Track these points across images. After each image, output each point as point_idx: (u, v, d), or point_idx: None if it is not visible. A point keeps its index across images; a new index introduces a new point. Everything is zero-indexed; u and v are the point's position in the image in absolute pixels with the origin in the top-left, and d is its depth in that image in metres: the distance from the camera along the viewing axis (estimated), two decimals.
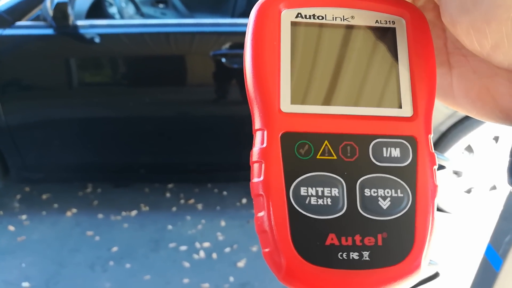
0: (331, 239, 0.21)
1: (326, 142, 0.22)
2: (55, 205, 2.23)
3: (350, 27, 0.24)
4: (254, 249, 1.92)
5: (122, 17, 2.40)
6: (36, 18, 1.83)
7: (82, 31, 1.81)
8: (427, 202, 0.22)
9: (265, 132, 0.22)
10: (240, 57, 1.82)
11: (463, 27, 0.20)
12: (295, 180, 0.21)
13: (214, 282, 1.74)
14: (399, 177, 0.22)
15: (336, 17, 0.24)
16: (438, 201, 0.23)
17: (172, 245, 1.95)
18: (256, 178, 0.22)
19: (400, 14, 0.24)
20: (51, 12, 1.75)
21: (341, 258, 0.21)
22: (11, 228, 2.05)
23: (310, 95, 0.23)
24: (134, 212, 2.17)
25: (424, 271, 0.21)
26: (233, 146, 2.03)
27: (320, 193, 0.21)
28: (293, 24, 0.24)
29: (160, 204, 2.25)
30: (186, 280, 1.75)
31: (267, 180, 0.21)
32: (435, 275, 0.45)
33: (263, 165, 0.21)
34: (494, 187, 2.06)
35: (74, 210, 2.18)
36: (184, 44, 1.88)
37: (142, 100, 1.94)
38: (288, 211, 0.21)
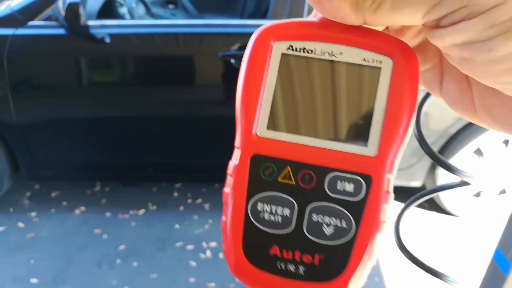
0: (275, 250, 0.24)
1: (288, 167, 0.25)
2: (64, 203, 2.25)
3: (336, 63, 0.25)
4: None
5: (132, 17, 2.42)
6: (48, 18, 1.86)
7: (93, 31, 1.83)
8: (368, 236, 0.24)
9: (240, 151, 0.25)
10: None
11: (468, 73, 0.22)
12: (255, 196, 0.25)
13: (220, 281, 1.74)
14: (347, 210, 0.24)
15: (324, 52, 0.25)
16: (382, 236, 0.24)
17: (179, 244, 1.96)
18: (226, 189, 0.25)
19: (389, 54, 0.24)
20: (63, 12, 1.77)
21: (279, 267, 0.24)
22: (21, 224, 2.08)
23: (284, 123, 0.25)
24: (141, 211, 2.19)
25: None
26: None
27: (273, 211, 0.24)
28: (283, 55, 0.25)
29: (168, 203, 2.26)
30: (192, 279, 1.75)
31: (232, 192, 0.25)
32: None
33: (232, 179, 0.25)
34: (503, 191, 2.04)
35: (83, 208, 2.20)
36: (193, 44, 1.89)
37: (151, 100, 1.95)
38: (244, 221, 0.25)
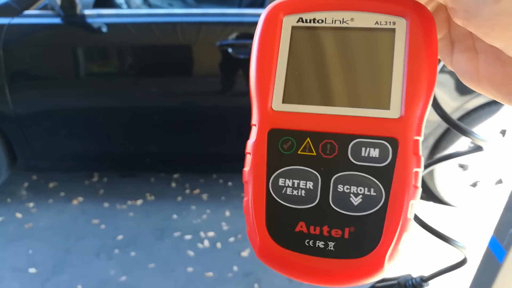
0: (301, 226, 0.23)
1: (308, 139, 0.24)
2: (62, 194, 2.25)
3: (348, 30, 0.24)
4: None
5: (129, 6, 2.40)
6: (44, 7, 1.84)
7: (89, 20, 1.82)
8: (401, 203, 0.22)
9: (256, 128, 0.25)
10: (247, 47, 1.82)
11: (473, 29, 0.21)
12: (275, 172, 0.24)
13: (218, 271, 1.75)
14: (374, 177, 0.23)
15: (335, 20, 0.24)
16: (418, 203, 0.23)
17: (176, 234, 1.97)
18: (246, 167, 0.25)
19: (402, 14, 0.24)
20: (59, 1, 1.75)
21: (307, 244, 0.23)
22: (19, 215, 2.08)
23: (300, 95, 0.24)
24: (139, 201, 2.19)
25: (387, 272, 0.22)
26: (238, 136, 2.03)
27: (296, 185, 0.23)
28: (294, 28, 0.25)
29: (166, 193, 2.26)
30: (190, 269, 1.76)
31: (252, 170, 0.24)
32: (463, 261, 0.44)
33: (251, 157, 0.24)
34: (500, 181, 2.05)
35: (80, 199, 2.20)
36: (190, 34, 1.88)
37: (148, 90, 1.94)
38: (266, 199, 0.24)
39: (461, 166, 2.00)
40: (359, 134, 0.23)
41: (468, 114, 1.88)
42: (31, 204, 2.16)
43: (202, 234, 1.96)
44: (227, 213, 2.11)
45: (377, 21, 0.24)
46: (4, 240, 1.93)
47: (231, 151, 2.12)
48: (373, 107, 0.24)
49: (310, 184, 0.23)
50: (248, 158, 0.25)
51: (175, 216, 2.09)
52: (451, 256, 0.45)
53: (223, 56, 1.83)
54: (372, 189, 0.22)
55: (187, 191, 2.29)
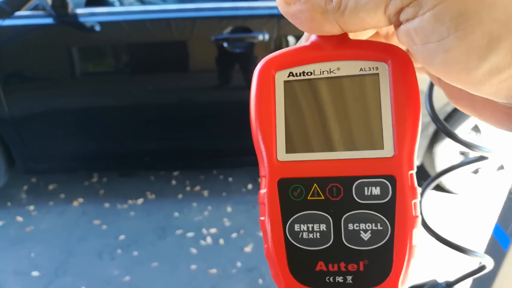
0: (320, 265, 0.25)
1: (315, 185, 0.26)
2: (62, 195, 2.24)
3: (336, 78, 0.26)
4: (261, 234, 1.92)
5: (121, 4, 2.37)
6: (35, 8, 1.82)
7: (82, 19, 1.80)
8: (405, 233, 0.24)
9: (266, 179, 0.26)
10: (242, 41, 1.80)
11: (434, 73, 0.22)
12: (290, 218, 0.26)
13: (221, 267, 1.75)
14: (379, 212, 0.25)
15: (323, 71, 0.26)
16: (418, 231, 0.25)
17: (179, 232, 1.96)
18: (262, 217, 0.26)
19: (383, 59, 0.26)
20: (50, 1, 1.73)
21: (328, 281, 0.25)
22: (19, 218, 2.07)
23: (301, 144, 0.26)
24: (140, 200, 2.18)
25: None
26: (237, 131, 2.02)
27: (310, 229, 0.25)
28: (286, 82, 0.27)
29: (166, 191, 2.25)
30: (193, 266, 1.76)
31: (268, 219, 0.26)
32: (483, 267, 0.46)
33: (265, 206, 0.26)
34: (501, 167, 2.04)
35: (81, 200, 2.20)
36: (185, 29, 1.86)
37: (145, 88, 1.93)
38: (285, 244, 0.26)
39: (462, 153, 1.99)
40: (360, 175, 0.25)
41: None
42: (31, 207, 2.15)
43: (204, 231, 1.96)
44: (229, 209, 2.10)
45: (361, 68, 0.26)
46: (6, 244, 1.92)
47: (231, 146, 2.11)
48: (368, 148, 0.25)
49: (323, 226, 0.25)
50: (263, 208, 0.26)
51: (176, 214, 2.08)
52: (466, 259, 0.46)
53: (219, 51, 1.81)
54: (378, 224, 0.25)
55: (188, 188, 2.28)
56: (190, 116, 2.01)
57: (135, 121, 2.02)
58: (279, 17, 1.77)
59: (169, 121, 2.04)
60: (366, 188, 0.25)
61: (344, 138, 0.26)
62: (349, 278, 0.25)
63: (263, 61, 0.27)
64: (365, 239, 0.25)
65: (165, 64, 1.91)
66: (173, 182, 2.33)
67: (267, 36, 1.76)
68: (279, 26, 1.78)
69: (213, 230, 1.96)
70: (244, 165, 2.37)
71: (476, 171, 2.04)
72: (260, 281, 1.67)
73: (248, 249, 1.84)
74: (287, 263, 0.25)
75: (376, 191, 0.25)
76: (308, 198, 0.25)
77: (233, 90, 1.93)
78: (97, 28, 1.80)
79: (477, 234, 1.77)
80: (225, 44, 1.78)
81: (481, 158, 0.42)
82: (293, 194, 0.26)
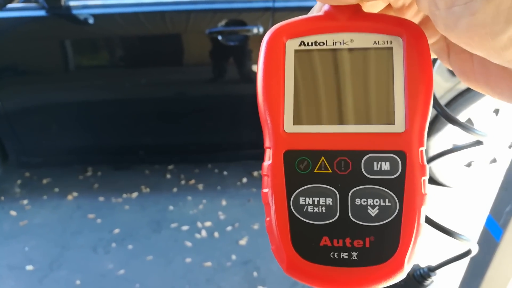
0: (325, 241, 0.25)
1: (322, 158, 0.25)
2: (56, 189, 2.23)
3: (349, 50, 0.26)
4: (256, 227, 1.93)
5: None
6: (28, 0, 1.80)
7: (75, 12, 1.78)
8: (414, 210, 0.24)
9: (271, 150, 0.26)
10: (237, 34, 1.79)
11: (454, 40, 0.22)
12: (295, 191, 0.25)
13: (216, 260, 1.75)
14: (388, 188, 0.24)
15: (336, 42, 0.26)
16: (427, 208, 0.25)
17: (173, 225, 1.96)
18: (265, 189, 0.26)
19: (398, 33, 0.25)
20: None
21: (332, 257, 0.25)
22: (13, 213, 2.06)
23: (310, 116, 0.26)
24: (135, 194, 2.18)
25: (406, 272, 0.24)
26: (232, 125, 2.02)
27: (316, 202, 0.25)
28: (297, 52, 0.26)
29: (161, 185, 2.25)
30: (188, 260, 1.76)
31: (272, 192, 0.25)
32: (468, 252, 0.46)
33: (269, 178, 0.25)
34: (494, 160, 2.05)
35: (75, 194, 2.19)
36: (179, 22, 1.85)
37: (139, 81, 1.92)
38: (289, 217, 0.25)
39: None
40: (370, 150, 0.25)
41: (461, 94, 1.87)
42: (25, 201, 2.14)
43: (199, 224, 1.96)
44: (224, 203, 2.10)
45: (375, 41, 0.26)
46: (0, 239, 1.91)
47: (225, 140, 2.11)
48: (379, 123, 0.25)
49: (329, 200, 0.25)
50: (266, 180, 0.26)
51: (171, 207, 2.08)
52: (454, 244, 0.46)
53: (213, 44, 1.80)
54: (387, 200, 0.24)
55: (183, 182, 2.28)
56: (184, 110, 2.01)
57: (130, 114, 2.01)
58: (274, 10, 1.77)
59: (163, 114, 2.03)
60: (375, 163, 0.25)
61: (355, 111, 0.25)
62: (354, 254, 0.24)
63: (274, 28, 0.26)
64: (373, 215, 0.24)
65: (159, 57, 1.90)
66: (168, 175, 2.33)
67: (261, 29, 1.76)
68: (274, 19, 1.77)
69: (208, 224, 1.96)
70: (239, 159, 2.37)
71: (469, 164, 2.05)
72: (255, 274, 1.68)
73: (243, 242, 1.84)
74: (290, 237, 0.25)
75: (386, 166, 0.24)
76: (315, 171, 0.25)
77: (228, 83, 1.93)
78: (91, 20, 1.78)
79: (470, 227, 1.78)
80: (220, 37, 1.77)
81: (477, 142, 0.42)
82: (300, 167, 0.25)
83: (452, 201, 2.06)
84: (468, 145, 0.44)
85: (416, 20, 0.28)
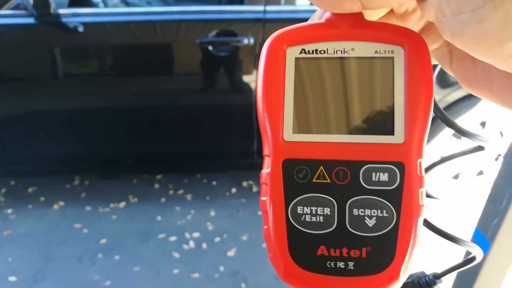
0: (322, 250, 0.25)
1: (321, 167, 0.25)
2: (42, 198, 2.19)
3: (349, 59, 0.26)
4: (244, 238, 1.91)
5: (106, 5, 2.35)
6: (16, 7, 1.78)
7: (64, 20, 1.77)
8: (411, 221, 0.24)
9: (270, 158, 0.26)
10: (227, 44, 1.80)
11: (460, 47, 0.21)
12: (293, 200, 0.25)
13: (204, 272, 1.73)
14: (385, 199, 0.24)
15: (337, 50, 0.26)
16: (424, 217, 0.25)
17: (161, 236, 1.94)
18: (263, 197, 0.26)
19: (399, 43, 0.25)
20: (31, 0, 1.70)
21: (329, 266, 0.25)
22: None
23: (309, 125, 0.26)
24: (122, 204, 2.15)
25: (402, 282, 0.24)
26: (222, 135, 2.01)
27: (314, 212, 0.25)
28: (297, 59, 0.26)
29: (149, 195, 2.23)
30: (176, 271, 1.74)
31: (270, 200, 0.25)
32: (473, 259, 0.46)
33: (267, 187, 0.25)
34: (481, 172, 2.08)
35: (61, 203, 2.15)
36: (170, 32, 1.85)
37: (129, 90, 1.90)
38: (287, 226, 0.25)
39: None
40: (369, 160, 0.25)
41: (449, 106, 1.90)
42: (9, 211, 2.10)
43: (187, 235, 1.94)
44: (212, 213, 2.08)
45: (376, 50, 0.25)
46: None
47: (215, 149, 2.10)
48: (379, 133, 0.25)
49: (327, 210, 0.25)
50: (265, 188, 0.26)
51: (159, 217, 2.06)
52: (455, 251, 0.46)
53: (204, 54, 1.80)
54: (384, 211, 0.24)
55: (171, 191, 2.26)
56: (174, 119, 2.00)
57: (119, 123, 1.99)
58: (264, 21, 1.78)
59: (153, 124, 2.02)
60: (374, 174, 0.25)
61: (354, 121, 0.25)
62: (350, 264, 0.24)
63: (274, 35, 0.26)
64: (370, 225, 0.24)
65: (149, 66, 1.89)
66: (156, 185, 2.31)
67: (252, 40, 1.76)
68: (264, 31, 1.78)
69: (196, 234, 1.94)
70: (228, 169, 2.36)
71: (456, 176, 2.07)
72: (243, 285, 1.67)
73: (231, 253, 1.83)
74: (287, 245, 0.25)
75: (384, 177, 0.24)
76: (314, 180, 0.25)
77: (218, 93, 1.92)
78: (80, 29, 1.78)
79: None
80: (210, 48, 1.77)
81: (479, 148, 0.42)
82: (298, 176, 0.25)
83: (439, 213, 2.07)
84: (469, 150, 0.44)
85: (418, 26, 0.28)
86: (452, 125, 0.39)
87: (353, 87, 0.26)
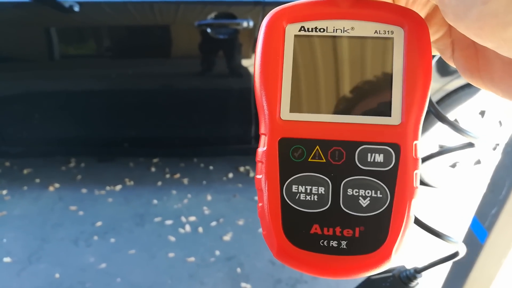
0: (315, 228, 0.25)
1: (317, 147, 0.25)
2: (37, 180, 2.18)
3: (349, 38, 0.25)
4: (240, 223, 1.91)
5: None
6: None
7: None
8: (404, 203, 0.24)
9: (266, 137, 0.25)
10: (226, 27, 1.77)
11: (463, 31, 0.21)
12: (288, 179, 0.25)
13: (200, 256, 1.73)
14: (380, 180, 0.25)
15: (336, 29, 0.25)
16: (417, 201, 0.25)
17: (157, 219, 1.93)
18: (258, 175, 0.26)
19: (400, 24, 0.25)
20: None
21: (322, 244, 0.25)
22: None
23: (306, 104, 0.26)
24: (118, 187, 2.14)
25: (394, 262, 0.25)
26: (219, 119, 2.00)
27: (308, 191, 0.25)
28: (296, 37, 0.26)
29: (145, 178, 2.22)
30: (171, 254, 1.74)
31: (265, 178, 0.25)
32: (455, 254, 0.46)
33: (263, 165, 0.25)
34: (478, 162, 2.07)
35: (57, 185, 2.14)
36: (168, 13, 1.81)
37: (125, 72, 1.88)
38: (281, 204, 0.25)
39: (441, 147, 2.02)
40: (365, 141, 0.25)
41: (448, 95, 1.88)
42: (4, 192, 2.09)
43: (183, 219, 1.94)
44: (209, 197, 2.08)
45: (376, 30, 0.25)
46: None
47: (212, 134, 2.08)
48: (376, 115, 0.25)
49: (321, 189, 0.25)
50: (260, 166, 0.26)
51: (155, 201, 2.06)
52: (441, 246, 0.45)
53: (202, 36, 1.77)
54: (378, 192, 0.24)
55: (167, 175, 2.25)
56: (171, 103, 1.98)
57: (115, 106, 1.97)
58: (264, 4, 1.75)
59: (150, 107, 1.99)
60: (369, 155, 0.25)
61: (352, 101, 0.25)
62: (343, 243, 0.25)
63: (274, 11, 0.26)
64: (364, 205, 0.25)
65: (147, 48, 1.86)
66: (153, 169, 2.30)
67: (251, 23, 1.73)
68: (264, 13, 1.75)
69: (192, 218, 1.94)
70: (225, 154, 2.35)
71: (454, 165, 2.07)
72: (239, 270, 1.67)
73: (227, 238, 1.83)
74: (281, 223, 0.25)
75: (379, 158, 0.25)
76: (309, 160, 0.25)
77: (216, 77, 1.90)
78: (76, 8, 1.74)
79: (454, 228, 1.80)
80: (209, 30, 1.74)
81: (469, 145, 0.42)
82: (294, 155, 0.25)
83: (437, 202, 2.07)
84: (459, 147, 0.43)
85: (422, 14, 0.27)
86: (443, 119, 0.39)
87: (351, 67, 0.25)
